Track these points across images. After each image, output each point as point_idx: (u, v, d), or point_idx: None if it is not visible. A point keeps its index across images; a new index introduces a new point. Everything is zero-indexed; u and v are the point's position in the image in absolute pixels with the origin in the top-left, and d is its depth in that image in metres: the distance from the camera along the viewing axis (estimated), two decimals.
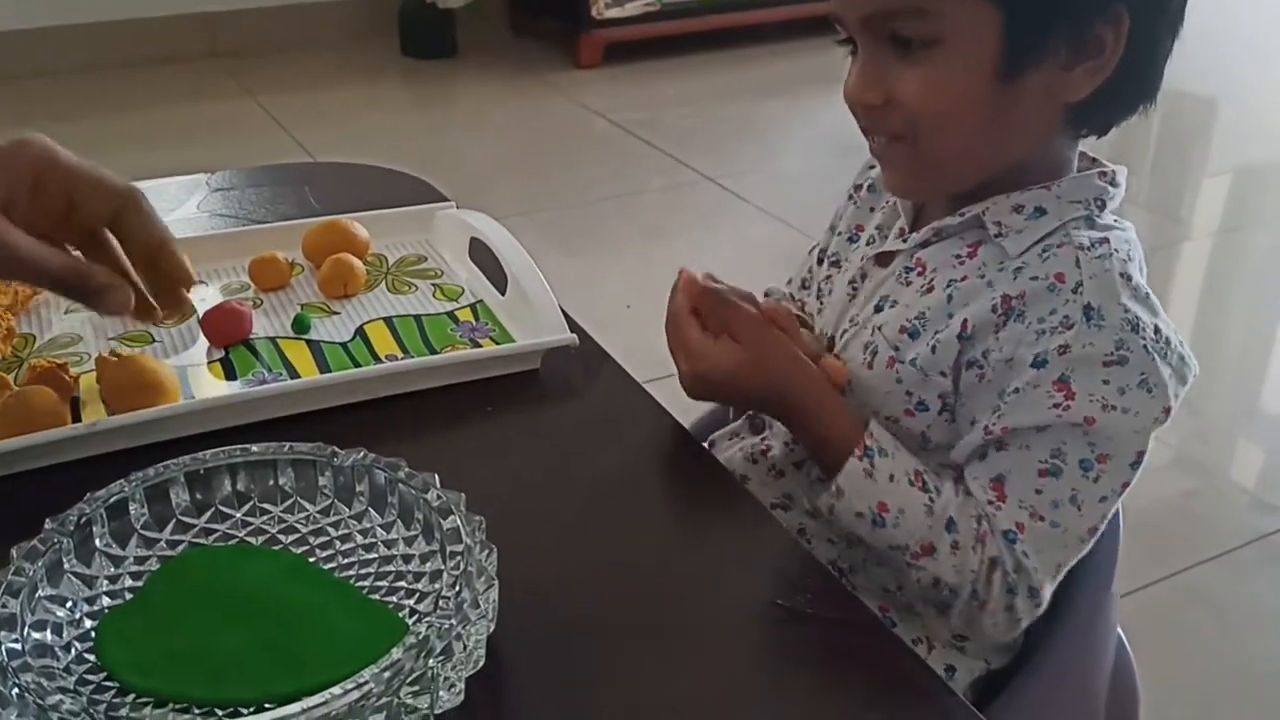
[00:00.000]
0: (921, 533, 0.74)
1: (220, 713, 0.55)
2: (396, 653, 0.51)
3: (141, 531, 0.62)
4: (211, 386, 0.82)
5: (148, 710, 0.55)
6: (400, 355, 0.86)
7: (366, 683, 0.50)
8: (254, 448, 0.65)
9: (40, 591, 0.57)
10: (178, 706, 0.55)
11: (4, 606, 0.55)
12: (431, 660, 0.52)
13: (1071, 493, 0.72)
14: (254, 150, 2.96)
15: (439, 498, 0.61)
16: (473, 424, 0.81)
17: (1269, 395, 2.21)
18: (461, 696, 0.55)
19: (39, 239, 0.64)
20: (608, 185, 2.86)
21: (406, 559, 0.62)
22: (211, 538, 0.64)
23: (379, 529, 0.64)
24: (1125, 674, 0.87)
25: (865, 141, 0.78)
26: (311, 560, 0.64)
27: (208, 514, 0.64)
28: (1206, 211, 3.01)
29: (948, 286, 0.76)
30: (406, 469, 0.63)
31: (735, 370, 0.77)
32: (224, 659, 0.57)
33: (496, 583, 0.58)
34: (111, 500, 0.61)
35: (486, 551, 0.58)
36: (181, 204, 1.13)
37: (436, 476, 0.63)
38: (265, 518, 0.65)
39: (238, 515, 0.65)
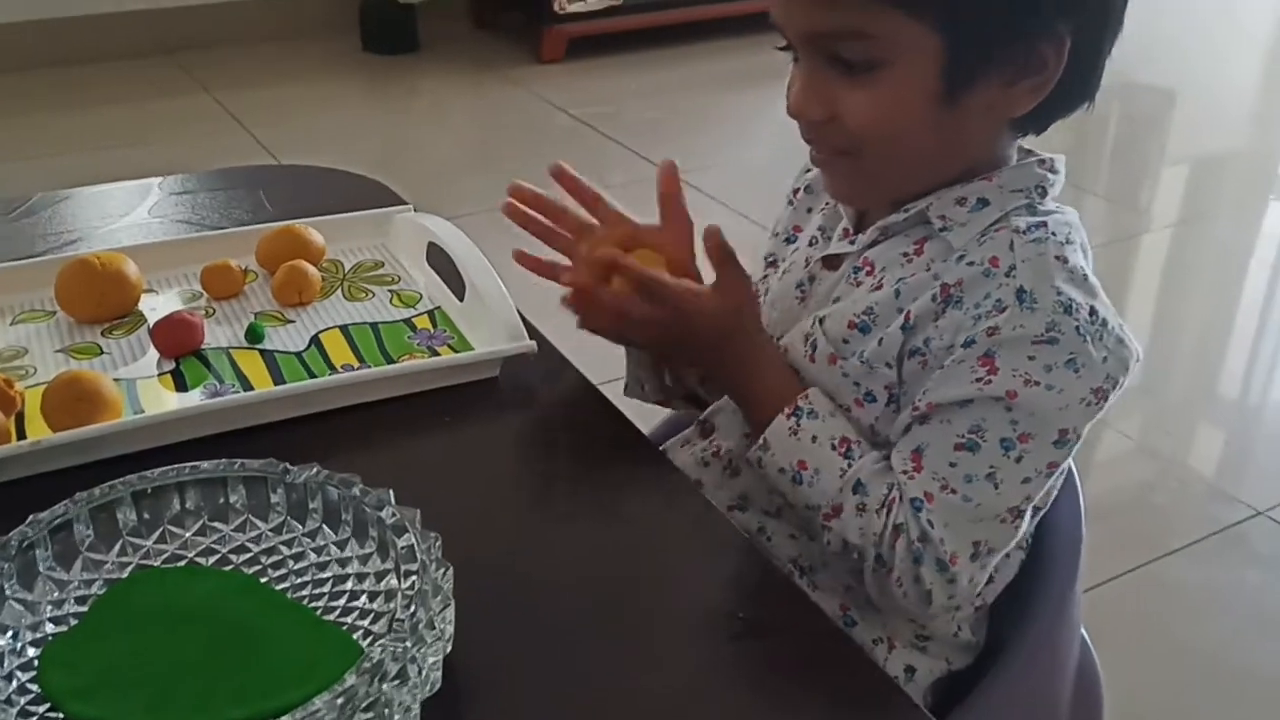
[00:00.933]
0: (832, 494, 0.75)
1: None
2: (350, 677, 0.50)
3: (87, 554, 0.61)
4: (162, 399, 0.81)
5: None
6: (356, 365, 0.85)
7: (319, 709, 0.49)
8: (204, 465, 0.64)
9: None
10: None
11: None
12: (386, 685, 0.51)
13: (989, 469, 0.72)
14: (211, 147, 2.92)
15: (393, 515, 0.60)
16: (430, 435, 0.80)
17: (1228, 385, 2.23)
18: None
19: None
20: None
21: (361, 578, 0.61)
22: (160, 558, 0.63)
23: (333, 547, 0.63)
24: (1089, 674, 0.87)
25: None
26: (263, 580, 0.62)
27: (156, 534, 0.63)
28: (1165, 201, 3.03)
29: (896, 283, 0.76)
30: (360, 485, 0.62)
31: (659, 337, 0.80)
32: (171, 684, 0.56)
33: (453, 602, 0.56)
34: (55, 522, 0.60)
35: (443, 570, 0.57)
36: (133, 209, 1.11)
37: (391, 493, 0.61)
38: (215, 537, 0.64)
39: (187, 535, 0.63)
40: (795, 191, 0.91)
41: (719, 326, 0.80)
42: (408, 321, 0.91)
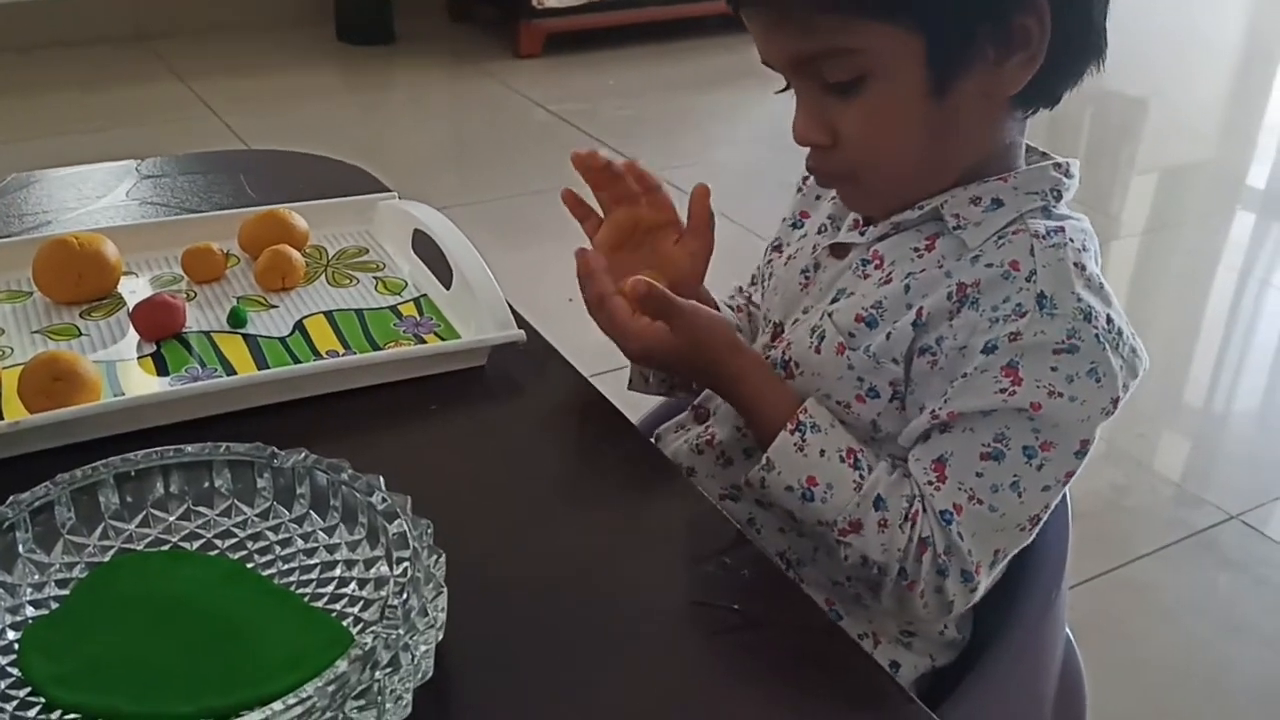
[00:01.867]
0: (849, 509, 0.73)
1: None
2: (342, 665, 0.49)
3: (68, 536, 0.59)
4: (142, 383, 0.79)
5: None
6: (341, 351, 0.83)
7: (310, 696, 0.48)
8: (188, 448, 0.62)
9: None
10: None
11: None
12: (378, 672, 0.50)
13: (1013, 479, 0.72)
14: (185, 135, 2.88)
15: (384, 500, 0.59)
16: (417, 422, 0.79)
17: (1198, 390, 2.25)
18: (409, 709, 0.53)
19: None
20: (547, 176, 2.82)
21: (350, 565, 0.60)
22: (143, 543, 0.61)
23: (321, 533, 0.62)
24: (1073, 674, 0.88)
25: None
26: (250, 566, 0.61)
27: (139, 518, 0.61)
28: (1135, 208, 3.06)
29: (906, 278, 0.76)
30: (350, 470, 0.61)
31: (669, 352, 0.79)
32: (155, 671, 0.54)
33: (445, 589, 0.56)
34: (36, 504, 0.58)
35: (435, 557, 0.56)
36: (110, 190, 1.09)
37: (382, 479, 0.60)
38: (200, 521, 0.62)
39: (171, 519, 0.62)
40: (805, 178, 0.90)
41: (681, 366, 0.82)
42: (393, 309, 0.90)
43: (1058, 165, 0.78)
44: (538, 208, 2.70)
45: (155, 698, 0.53)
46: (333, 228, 1.00)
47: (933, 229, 0.77)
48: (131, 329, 0.84)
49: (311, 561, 0.61)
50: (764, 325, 0.87)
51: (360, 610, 0.58)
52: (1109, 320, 0.71)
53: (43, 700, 0.53)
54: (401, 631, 0.51)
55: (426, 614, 0.54)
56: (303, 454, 0.62)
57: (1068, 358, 0.70)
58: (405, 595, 0.53)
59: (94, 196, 1.08)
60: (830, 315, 0.78)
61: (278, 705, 0.48)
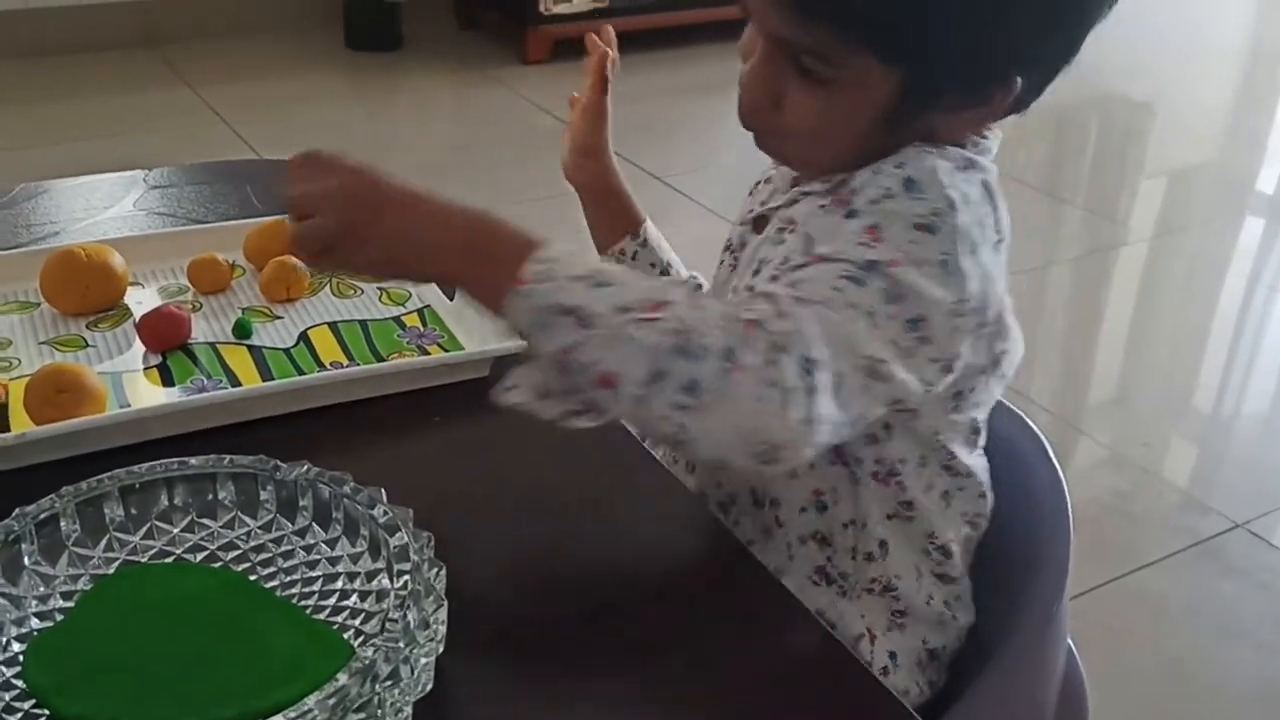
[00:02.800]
0: (652, 293, 0.64)
1: None
2: (342, 677, 0.50)
3: (73, 548, 0.60)
4: (148, 394, 0.80)
5: None
6: (345, 362, 0.84)
7: (310, 709, 0.49)
8: (192, 460, 0.63)
9: None
10: None
11: None
12: (378, 685, 0.51)
13: (870, 309, 0.66)
14: (192, 142, 2.90)
15: (386, 513, 0.59)
16: (420, 434, 0.79)
17: (1204, 397, 2.25)
18: None
19: None
20: (553, 182, 2.83)
21: (352, 577, 0.61)
22: (147, 554, 0.62)
23: (323, 545, 0.62)
24: (1074, 684, 0.88)
25: None
26: (252, 578, 0.61)
27: (143, 530, 0.62)
28: (1143, 214, 3.06)
29: (806, 225, 0.76)
30: (352, 483, 0.61)
31: (334, 246, 0.67)
32: (157, 681, 0.55)
33: (445, 603, 0.56)
34: (41, 516, 0.59)
35: (435, 570, 0.57)
36: (118, 201, 1.10)
37: (384, 491, 0.61)
38: (204, 533, 0.63)
39: (175, 531, 0.63)
40: (758, 183, 0.91)
41: (360, 260, 0.69)
42: (397, 319, 0.90)
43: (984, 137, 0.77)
44: (543, 214, 2.70)
45: (157, 707, 0.54)
46: None
47: (842, 191, 0.75)
48: (137, 340, 0.85)
49: (313, 574, 0.61)
50: None
51: (361, 623, 0.58)
52: (972, 237, 0.69)
53: (47, 711, 0.53)
54: (402, 644, 0.52)
55: (427, 627, 0.54)
56: (305, 467, 0.62)
57: (926, 236, 0.68)
58: (406, 608, 0.53)
59: (101, 207, 1.09)
60: (753, 289, 0.74)
61: (278, 718, 0.48)
